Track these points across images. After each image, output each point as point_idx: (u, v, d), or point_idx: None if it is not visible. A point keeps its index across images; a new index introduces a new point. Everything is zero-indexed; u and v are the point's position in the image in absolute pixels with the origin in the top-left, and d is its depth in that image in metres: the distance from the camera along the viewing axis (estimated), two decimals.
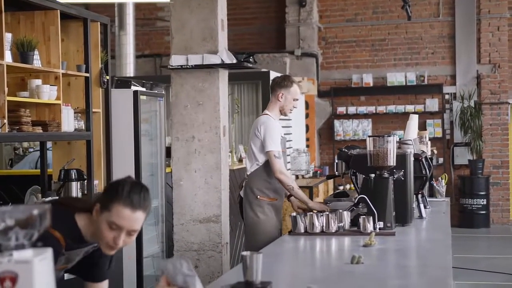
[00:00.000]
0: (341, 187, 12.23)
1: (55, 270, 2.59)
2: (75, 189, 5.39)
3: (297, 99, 5.36)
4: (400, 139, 5.32)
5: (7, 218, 1.73)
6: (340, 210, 4.36)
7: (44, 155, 5.66)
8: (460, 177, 12.53)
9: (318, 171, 11.28)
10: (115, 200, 2.56)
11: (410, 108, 12.60)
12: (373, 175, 4.38)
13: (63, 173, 5.40)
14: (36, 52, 4.91)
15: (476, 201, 12.22)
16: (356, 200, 4.40)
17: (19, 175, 6.73)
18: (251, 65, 6.05)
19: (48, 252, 1.77)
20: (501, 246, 10.88)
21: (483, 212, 12.26)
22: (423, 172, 5.01)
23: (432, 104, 12.66)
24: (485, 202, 12.24)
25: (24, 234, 1.74)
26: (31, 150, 8.44)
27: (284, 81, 5.33)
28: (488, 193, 12.33)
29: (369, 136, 4.45)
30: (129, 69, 10.84)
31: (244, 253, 2.72)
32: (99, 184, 5.84)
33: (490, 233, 11.98)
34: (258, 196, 5.19)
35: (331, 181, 11.22)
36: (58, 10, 5.16)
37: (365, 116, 12.88)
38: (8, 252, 1.72)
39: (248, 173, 5.29)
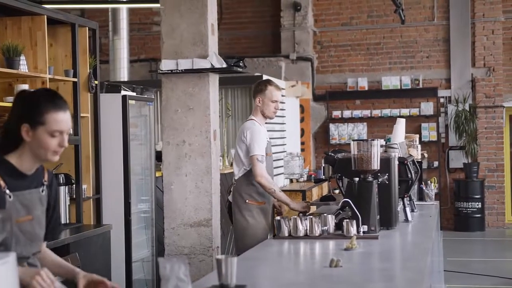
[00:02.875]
0: (337, 191, 12.23)
1: (14, 223, 2.57)
2: (63, 194, 5.40)
3: (275, 101, 5.44)
4: (386, 143, 5.34)
5: None
6: (325, 214, 4.37)
7: None
8: (455, 180, 12.54)
9: (313, 175, 11.29)
10: (44, 112, 2.67)
11: (405, 111, 12.61)
12: (357, 178, 4.39)
13: None
14: (22, 57, 4.93)
15: (471, 204, 12.23)
16: (341, 204, 4.41)
17: None
18: (241, 70, 6.06)
19: (11, 257, 1.79)
20: (496, 250, 10.88)
21: (478, 215, 12.26)
22: (409, 175, 5.02)
23: (427, 107, 12.67)
24: (480, 206, 12.25)
25: None
26: None
27: (259, 86, 5.49)
28: (483, 196, 12.34)
29: (353, 140, 4.46)
30: (123, 74, 10.86)
31: (219, 256, 2.74)
32: (87, 189, 5.86)
33: (485, 237, 11.98)
34: (247, 201, 5.32)
35: (325, 185, 11.23)
36: (45, 16, 5.18)
37: (360, 120, 12.89)
38: None
39: (236, 178, 5.41)
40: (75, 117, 5.61)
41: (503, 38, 12.64)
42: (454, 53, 12.68)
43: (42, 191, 2.82)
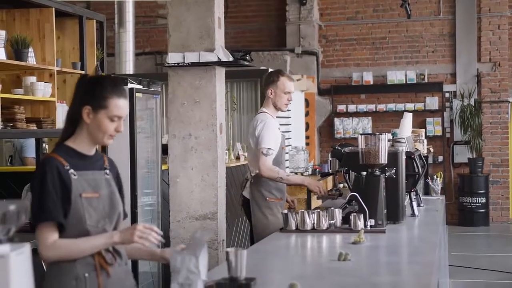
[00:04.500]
0: (341, 185, 12.23)
1: (82, 198, 2.76)
2: None
3: (288, 92, 5.26)
4: (393, 137, 5.33)
5: None
6: (332, 208, 4.37)
7: (40, 151, 5.68)
8: (460, 175, 12.53)
9: (318, 169, 11.29)
10: (108, 97, 2.80)
11: (410, 106, 12.61)
12: (364, 172, 4.38)
13: None
14: (30, 49, 4.94)
15: (476, 199, 12.23)
16: (348, 197, 4.41)
17: (17, 172, 6.76)
18: (247, 63, 6.05)
19: (26, 247, 1.80)
20: (500, 245, 10.89)
21: (483, 210, 12.26)
22: (416, 170, 5.01)
23: (432, 102, 12.66)
24: (484, 201, 12.25)
25: (1, 229, 1.77)
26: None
27: (271, 77, 5.30)
28: (488, 191, 12.34)
29: (360, 134, 4.46)
30: (129, 67, 10.86)
31: (229, 249, 2.74)
32: None
33: (489, 232, 11.99)
34: (267, 198, 5.17)
35: (330, 179, 11.23)
36: (53, 8, 5.19)
37: (365, 114, 12.89)
38: None
39: (253, 174, 5.23)
40: None
41: (509, 33, 12.62)
42: (460, 47, 12.66)
43: (107, 174, 2.92)
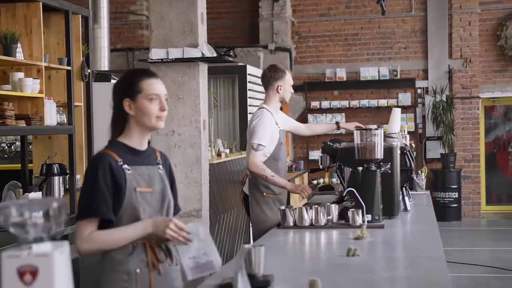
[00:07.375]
0: (315, 181, 12.28)
1: (136, 192, 2.78)
2: (57, 184, 5.32)
3: (291, 84, 5.44)
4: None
5: (25, 211, 1.71)
6: (328, 203, 4.37)
7: (25, 149, 5.57)
8: (432, 170, 12.65)
9: (294, 166, 11.32)
10: (139, 81, 2.85)
11: (383, 102, 12.69)
12: (360, 168, 4.39)
13: (45, 168, 5.32)
14: (19, 44, 4.84)
15: (448, 194, 12.36)
16: (345, 193, 4.41)
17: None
18: (231, 59, 6.04)
19: (66, 246, 1.76)
20: (472, 239, 11.02)
21: (455, 205, 12.40)
22: (408, 164, 5.04)
23: (405, 98, 12.76)
24: (456, 195, 12.39)
25: (43, 227, 1.72)
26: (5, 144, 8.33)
27: (278, 73, 5.33)
28: (460, 186, 12.48)
29: (356, 129, 4.46)
30: (104, 63, 10.72)
31: (247, 246, 2.71)
32: (81, 179, 5.77)
33: (461, 226, 12.13)
34: (264, 193, 5.18)
35: (306, 175, 11.27)
36: (41, 2, 5.08)
37: (339, 110, 12.93)
38: (27, 246, 1.71)
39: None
40: (69, 106, 5.53)
41: (479, 29, 12.76)
42: (432, 44, 12.77)
43: (160, 170, 2.93)
